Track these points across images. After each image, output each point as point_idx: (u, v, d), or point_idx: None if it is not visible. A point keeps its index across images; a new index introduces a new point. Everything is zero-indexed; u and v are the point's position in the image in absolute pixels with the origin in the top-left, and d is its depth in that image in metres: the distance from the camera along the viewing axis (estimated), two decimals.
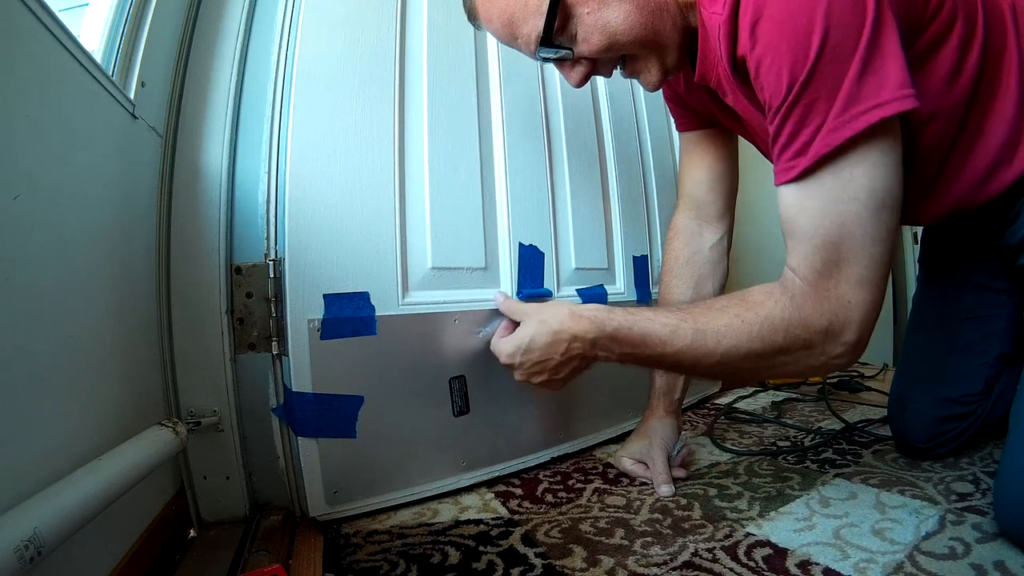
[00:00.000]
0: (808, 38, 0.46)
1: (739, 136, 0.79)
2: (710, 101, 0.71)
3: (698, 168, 0.84)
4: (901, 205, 0.52)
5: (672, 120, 1.32)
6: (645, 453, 0.82)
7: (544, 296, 0.91)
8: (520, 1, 0.59)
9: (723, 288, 0.88)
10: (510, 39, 0.63)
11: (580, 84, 0.64)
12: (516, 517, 0.70)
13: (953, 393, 0.79)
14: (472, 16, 0.66)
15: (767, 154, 0.61)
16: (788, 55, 0.47)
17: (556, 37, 0.59)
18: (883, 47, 0.47)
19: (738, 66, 0.54)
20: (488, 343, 0.75)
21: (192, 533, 0.67)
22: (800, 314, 0.53)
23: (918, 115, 0.55)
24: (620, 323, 0.62)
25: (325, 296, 0.69)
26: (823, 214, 0.51)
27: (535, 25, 0.59)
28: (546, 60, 0.62)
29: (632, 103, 1.22)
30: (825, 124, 0.48)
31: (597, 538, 0.63)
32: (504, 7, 0.60)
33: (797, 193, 0.52)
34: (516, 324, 0.72)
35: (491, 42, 0.94)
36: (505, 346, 0.69)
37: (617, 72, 0.65)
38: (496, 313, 0.82)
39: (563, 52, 0.60)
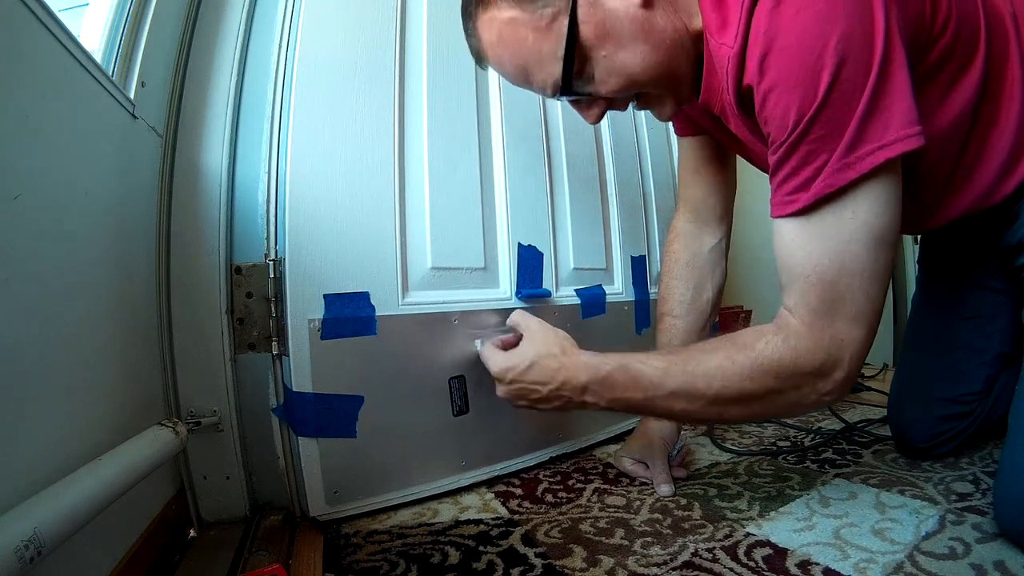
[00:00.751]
0: (817, 76, 0.46)
1: None
2: (709, 119, 0.71)
3: (698, 173, 0.85)
4: (898, 240, 0.52)
5: (671, 122, 1.33)
6: (645, 453, 0.82)
7: (543, 297, 0.91)
8: (532, 48, 0.57)
9: (722, 289, 0.88)
10: (524, 84, 0.61)
11: (597, 121, 0.64)
12: (516, 517, 0.70)
13: (953, 392, 0.79)
14: (480, 59, 0.63)
15: (762, 167, 0.62)
16: (796, 92, 0.47)
17: (575, 82, 0.58)
18: (891, 83, 0.46)
19: (743, 96, 0.53)
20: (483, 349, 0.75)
21: (192, 533, 0.67)
22: (792, 355, 0.53)
23: (929, 143, 0.55)
24: (613, 367, 0.61)
25: (325, 296, 0.69)
26: (822, 253, 0.51)
27: (552, 72, 0.57)
28: (562, 99, 0.62)
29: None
30: (829, 163, 0.48)
31: (597, 538, 0.63)
32: (516, 54, 0.58)
33: (797, 229, 0.52)
34: (512, 336, 0.73)
35: None
36: (498, 360, 0.69)
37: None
38: (496, 321, 0.83)
39: (581, 96, 0.60)
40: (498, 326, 0.83)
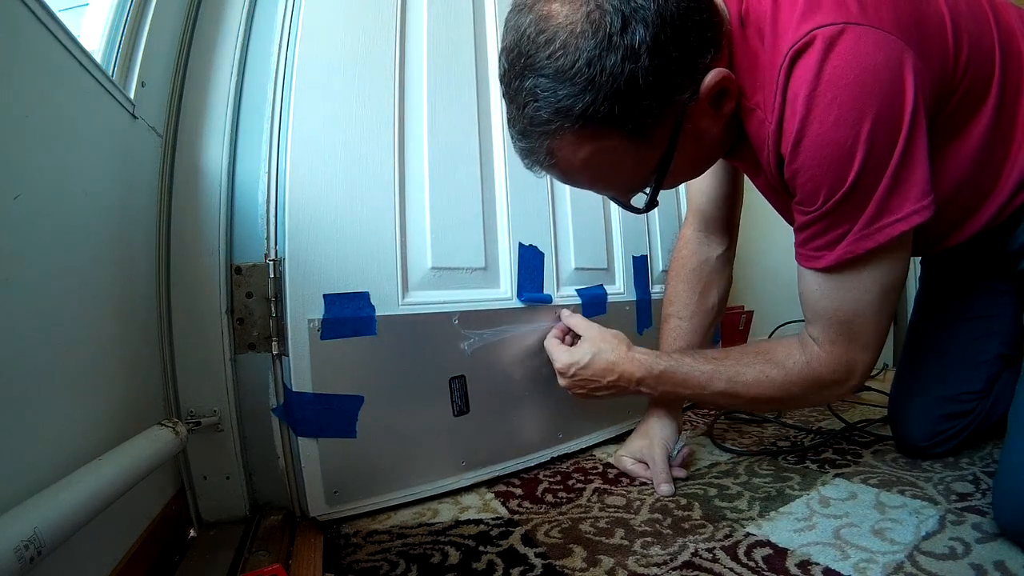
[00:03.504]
0: (848, 166, 0.49)
1: None
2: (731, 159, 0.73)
3: (707, 185, 0.87)
4: (904, 284, 0.59)
5: None
6: (645, 453, 0.82)
7: (544, 302, 0.91)
8: (623, 172, 0.55)
9: (727, 294, 0.92)
10: (585, 188, 0.60)
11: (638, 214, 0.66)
12: (516, 517, 0.70)
13: (953, 391, 0.79)
14: (537, 165, 0.56)
15: (779, 211, 0.70)
16: (827, 178, 0.51)
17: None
18: (913, 158, 0.50)
19: (779, 161, 0.55)
20: (541, 339, 0.87)
21: (192, 533, 0.67)
22: (815, 373, 0.64)
23: (942, 182, 0.58)
24: (666, 367, 0.72)
25: (325, 296, 0.69)
26: (841, 302, 0.58)
27: (631, 188, 0.59)
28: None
29: None
30: (851, 232, 0.53)
31: (597, 538, 0.63)
32: (600, 175, 0.56)
33: (820, 281, 0.59)
34: (570, 333, 0.84)
35: (491, 43, 0.94)
36: (564, 356, 0.79)
37: None
38: (494, 322, 0.84)
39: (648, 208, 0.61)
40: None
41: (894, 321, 1.95)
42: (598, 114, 0.48)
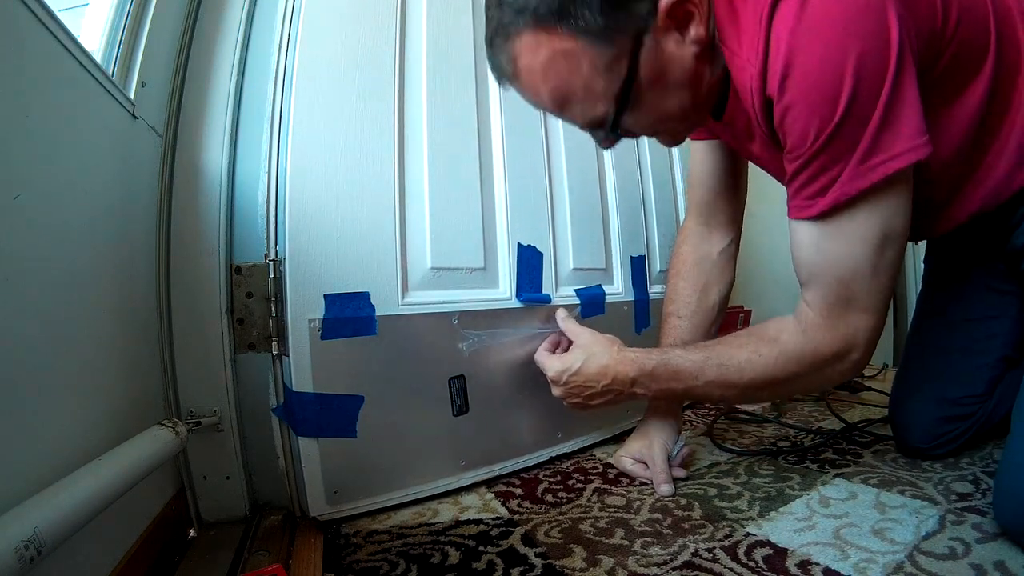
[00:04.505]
0: (836, 99, 0.48)
1: None
2: (726, 132, 0.72)
3: (708, 176, 0.86)
4: (907, 238, 0.55)
5: None
6: (645, 453, 0.82)
7: (543, 302, 0.91)
8: (583, 82, 0.54)
9: (729, 293, 0.89)
10: (554, 111, 0.59)
11: (610, 147, 0.65)
12: (516, 517, 0.70)
13: (954, 394, 0.79)
14: (505, 79, 0.58)
15: (777, 177, 0.64)
16: (816, 111, 0.49)
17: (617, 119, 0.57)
18: (902, 98, 0.49)
19: (764, 107, 0.54)
20: (531, 353, 0.84)
21: (192, 533, 0.67)
22: (813, 345, 0.59)
23: (939, 146, 0.56)
24: (658, 361, 0.69)
25: (325, 296, 0.69)
26: (838, 255, 0.55)
27: (595, 108, 0.56)
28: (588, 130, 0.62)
29: None
30: (844, 173, 0.51)
31: (597, 538, 0.63)
32: (560, 84, 0.55)
33: (814, 232, 0.56)
34: (561, 341, 0.83)
35: None
36: (554, 363, 0.77)
37: None
38: (494, 322, 0.83)
39: (614, 134, 0.59)
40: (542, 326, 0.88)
41: (895, 322, 1.95)
42: (552, 7, 0.50)
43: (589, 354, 0.74)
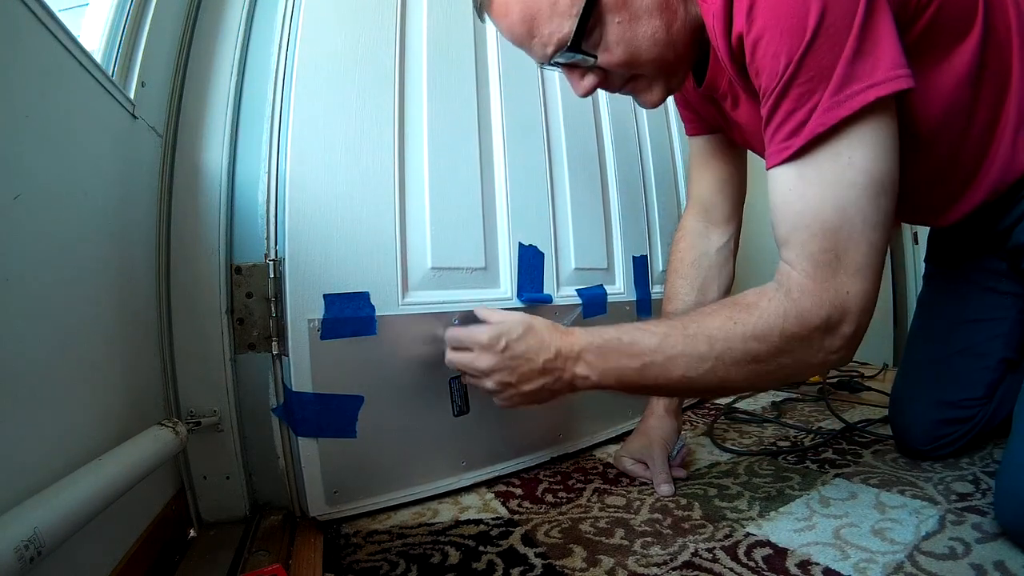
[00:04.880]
0: (804, 18, 0.46)
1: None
2: (715, 111, 0.71)
3: (707, 171, 0.85)
4: (897, 189, 0.50)
5: (672, 120, 1.33)
6: (645, 453, 0.82)
7: (544, 302, 0.91)
8: (548, 1, 0.56)
9: (728, 291, 0.88)
10: (525, 38, 0.59)
11: (587, 94, 0.63)
12: (516, 517, 0.70)
13: (954, 397, 0.78)
14: (482, 8, 0.60)
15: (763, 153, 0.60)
16: (785, 35, 0.47)
17: (583, 42, 0.56)
18: (877, 27, 0.47)
19: (734, 51, 0.54)
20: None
21: (192, 533, 0.67)
22: (797, 308, 0.51)
23: (926, 106, 0.55)
24: (610, 335, 0.60)
25: (325, 296, 0.69)
26: (822, 199, 0.49)
27: (561, 27, 0.56)
28: (558, 65, 0.61)
29: (632, 102, 1.21)
30: (820, 104, 0.47)
31: (597, 538, 0.63)
32: (528, 4, 0.56)
33: (794, 177, 0.51)
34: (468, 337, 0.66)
35: (491, 42, 0.94)
36: (486, 329, 0.64)
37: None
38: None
39: (583, 57, 0.58)
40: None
41: (894, 321, 1.95)
42: None
43: (528, 324, 0.63)
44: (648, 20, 0.56)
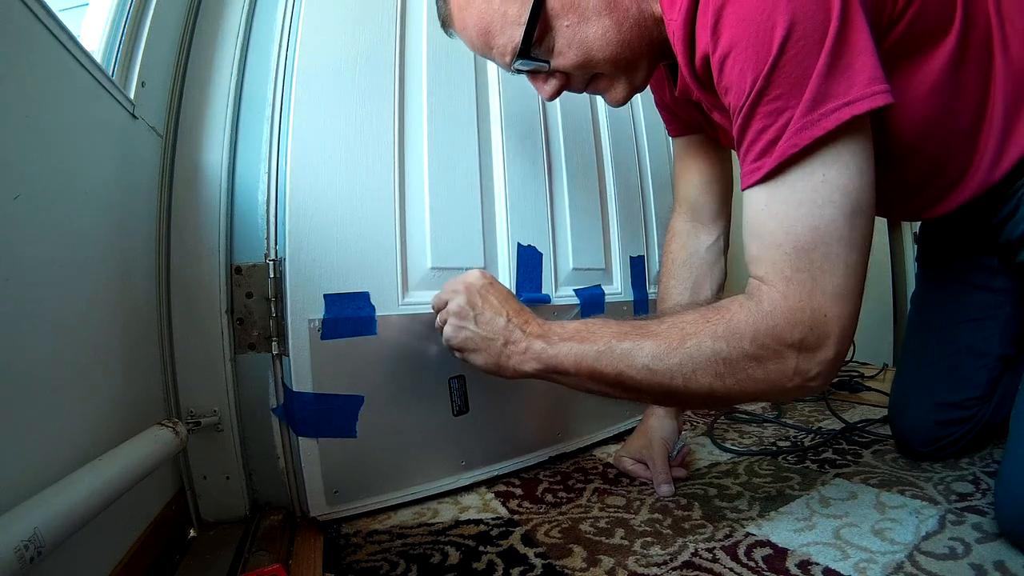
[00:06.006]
0: (771, 31, 0.44)
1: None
2: (696, 112, 0.71)
3: (691, 171, 0.85)
4: (874, 210, 0.49)
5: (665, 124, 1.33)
6: (645, 453, 0.82)
7: (543, 302, 0.91)
8: (498, 11, 0.57)
9: (721, 289, 0.88)
10: (485, 49, 0.61)
11: (552, 98, 0.64)
12: (516, 517, 0.70)
13: (953, 397, 0.78)
14: (446, 23, 0.65)
15: None
16: (751, 50, 0.45)
17: (533, 49, 0.58)
18: (852, 39, 0.45)
19: (699, 71, 0.53)
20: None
21: (192, 533, 0.67)
22: (770, 321, 0.48)
23: (908, 112, 0.55)
24: (564, 323, 0.61)
25: (325, 296, 0.69)
26: (795, 219, 0.47)
27: (512, 36, 0.58)
28: (520, 72, 0.62)
29: (629, 104, 1.22)
30: (792, 122, 0.45)
31: (597, 538, 0.63)
32: (481, 16, 0.59)
33: (766, 197, 0.49)
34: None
35: None
36: (476, 272, 0.68)
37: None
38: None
39: (537, 64, 0.59)
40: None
41: (894, 320, 1.95)
42: None
43: (506, 289, 0.68)
44: (597, 20, 0.57)
